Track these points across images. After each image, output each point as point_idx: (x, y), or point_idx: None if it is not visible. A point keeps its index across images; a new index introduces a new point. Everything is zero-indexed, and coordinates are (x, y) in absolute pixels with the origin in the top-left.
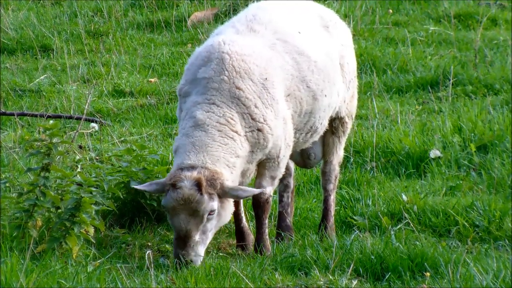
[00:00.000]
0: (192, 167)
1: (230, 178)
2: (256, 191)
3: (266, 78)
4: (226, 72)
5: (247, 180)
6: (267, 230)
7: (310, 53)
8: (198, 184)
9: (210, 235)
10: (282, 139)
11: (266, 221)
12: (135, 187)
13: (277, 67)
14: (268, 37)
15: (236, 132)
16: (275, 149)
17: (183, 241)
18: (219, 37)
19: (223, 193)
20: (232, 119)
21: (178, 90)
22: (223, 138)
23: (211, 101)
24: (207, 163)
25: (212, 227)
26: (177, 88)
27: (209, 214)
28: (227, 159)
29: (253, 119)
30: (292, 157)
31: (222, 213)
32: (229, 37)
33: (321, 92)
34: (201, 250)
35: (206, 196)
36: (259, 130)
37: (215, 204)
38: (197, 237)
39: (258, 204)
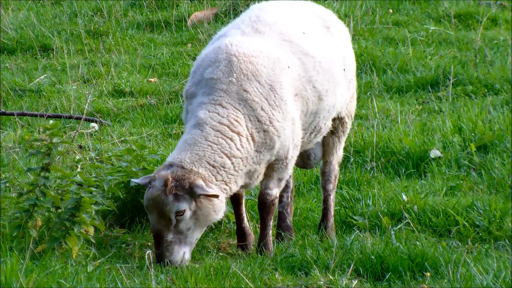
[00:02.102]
0: (170, 165)
1: (210, 178)
2: (213, 192)
3: (273, 80)
4: (234, 74)
5: (254, 182)
6: (270, 232)
7: (315, 54)
8: (165, 185)
9: (190, 234)
10: (290, 139)
11: (271, 222)
12: (133, 180)
13: (285, 67)
14: (273, 38)
15: (238, 133)
16: (283, 150)
17: (156, 240)
18: (225, 39)
19: (193, 193)
20: (236, 120)
21: (184, 92)
22: (218, 138)
23: (217, 102)
24: (185, 162)
25: (188, 226)
26: (184, 90)
27: (177, 215)
28: (213, 159)
29: (259, 121)
30: None
31: (199, 212)
32: (236, 39)
33: (326, 92)
34: (178, 249)
35: (170, 197)
36: (264, 131)
37: (182, 205)
38: (169, 237)
39: (263, 205)
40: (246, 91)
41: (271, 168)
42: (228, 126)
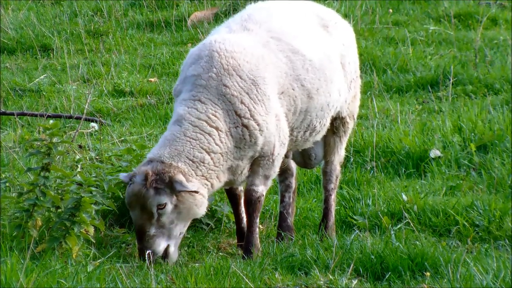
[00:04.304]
0: (150, 161)
1: (190, 173)
2: (193, 189)
3: (256, 75)
4: (214, 69)
5: (239, 178)
6: (257, 229)
7: (305, 52)
8: (145, 179)
9: (173, 228)
10: (275, 136)
11: (257, 219)
12: (118, 174)
13: (269, 64)
14: (261, 35)
15: (216, 128)
16: (268, 146)
17: (139, 235)
18: (212, 36)
19: (173, 188)
20: (214, 115)
21: (173, 91)
22: (196, 134)
23: (196, 98)
24: (164, 157)
25: (171, 220)
26: (173, 90)
27: (159, 208)
28: (192, 154)
29: (238, 115)
30: (293, 157)
31: (181, 206)
32: (221, 36)
33: (317, 91)
34: (160, 241)
35: (151, 191)
36: (244, 126)
37: (163, 198)
38: (152, 231)
39: (249, 202)
40: (225, 86)
41: (257, 164)
42: (206, 121)
